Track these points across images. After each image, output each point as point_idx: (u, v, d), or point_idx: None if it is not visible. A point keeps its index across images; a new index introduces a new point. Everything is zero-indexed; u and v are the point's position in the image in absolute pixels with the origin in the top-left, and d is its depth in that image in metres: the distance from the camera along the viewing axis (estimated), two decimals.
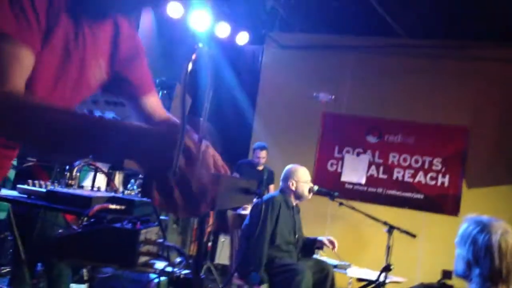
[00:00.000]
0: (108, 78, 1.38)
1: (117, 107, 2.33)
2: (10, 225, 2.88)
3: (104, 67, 1.35)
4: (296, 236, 4.15)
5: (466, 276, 2.08)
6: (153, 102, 1.48)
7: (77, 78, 1.27)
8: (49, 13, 1.07)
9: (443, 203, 6.68)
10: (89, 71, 1.29)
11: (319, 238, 4.29)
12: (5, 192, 2.00)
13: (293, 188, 4.13)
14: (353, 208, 4.13)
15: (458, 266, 2.10)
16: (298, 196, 4.15)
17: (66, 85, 1.24)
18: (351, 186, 7.07)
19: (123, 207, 1.67)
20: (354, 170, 7.09)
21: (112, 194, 1.98)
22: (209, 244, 6.36)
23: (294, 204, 4.21)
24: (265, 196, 4.39)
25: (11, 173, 3.39)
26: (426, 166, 6.83)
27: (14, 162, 2.92)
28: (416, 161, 6.88)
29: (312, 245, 4.29)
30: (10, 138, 1.04)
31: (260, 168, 6.39)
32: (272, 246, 3.95)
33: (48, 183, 2.07)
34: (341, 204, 4.18)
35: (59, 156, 1.18)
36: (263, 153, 6.30)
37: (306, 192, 4.14)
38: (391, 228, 3.87)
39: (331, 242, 4.22)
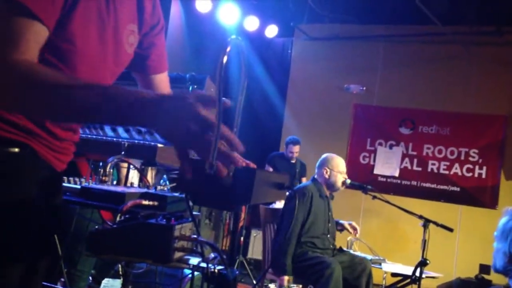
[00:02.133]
0: (137, 46, 1.36)
1: None
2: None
3: (136, 32, 1.33)
4: (330, 224, 4.09)
5: (506, 271, 2.00)
6: (163, 81, 1.46)
7: (114, 45, 1.25)
8: None
9: (481, 195, 6.50)
10: (124, 37, 1.28)
11: (341, 221, 4.23)
12: None
13: (327, 176, 4.06)
14: (387, 201, 4.04)
15: (497, 260, 2.03)
16: (331, 186, 4.08)
17: (107, 55, 1.23)
18: (384, 179, 6.96)
19: (156, 203, 1.66)
20: (387, 163, 6.98)
21: (145, 190, 1.98)
22: (241, 238, 6.37)
23: (327, 193, 4.14)
24: (297, 186, 4.35)
25: None
26: (462, 157, 6.65)
27: None
28: (452, 153, 6.71)
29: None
30: (21, 110, 1.01)
31: (293, 161, 6.35)
32: (306, 236, 3.90)
33: (83, 179, 2.09)
34: (374, 197, 4.10)
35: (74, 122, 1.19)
36: (296, 148, 6.25)
37: (339, 183, 4.06)
38: (426, 222, 3.77)
39: (353, 228, 4.15)
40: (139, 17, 1.33)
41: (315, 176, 4.15)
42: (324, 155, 4.20)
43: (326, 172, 4.06)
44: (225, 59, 0.90)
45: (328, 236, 4.03)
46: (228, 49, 0.92)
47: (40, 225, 1.19)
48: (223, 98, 0.90)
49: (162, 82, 1.46)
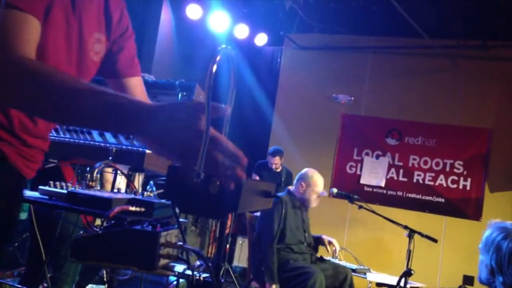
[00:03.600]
0: (106, 53, 1.36)
1: None
2: (31, 226, 2.91)
3: (103, 40, 1.33)
4: (306, 234, 4.12)
5: (489, 283, 2.02)
6: (137, 86, 1.45)
7: (79, 53, 1.26)
8: None
9: (465, 207, 6.56)
10: (89, 45, 1.28)
11: (323, 236, 4.25)
12: (27, 193, 2.01)
13: (301, 191, 4.10)
14: (373, 211, 4.07)
15: (481, 273, 2.05)
16: (304, 201, 4.12)
17: (71, 62, 1.23)
18: (370, 189, 7.00)
19: (143, 209, 1.66)
20: (374, 173, 7.02)
21: (132, 196, 1.98)
22: (227, 246, 6.35)
23: (299, 205, 4.18)
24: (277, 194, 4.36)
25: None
26: (448, 169, 6.72)
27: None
28: (437, 164, 6.78)
29: (316, 242, 4.25)
30: (20, 106, 1.00)
31: (278, 170, 6.35)
32: (283, 245, 3.92)
33: (69, 184, 2.08)
34: (360, 207, 4.12)
35: (69, 124, 1.18)
36: (275, 159, 6.23)
37: (312, 201, 4.11)
38: (411, 233, 3.80)
39: (330, 243, 4.16)
40: (107, 26, 1.34)
41: (291, 188, 4.19)
42: (305, 170, 4.23)
43: (302, 187, 4.10)
44: (214, 68, 0.91)
45: (305, 244, 4.06)
46: (218, 58, 0.93)
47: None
48: (223, 105, 0.91)
49: (136, 87, 1.44)
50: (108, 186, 2.42)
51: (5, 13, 0.98)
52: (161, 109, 0.87)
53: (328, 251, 4.18)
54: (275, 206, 3.90)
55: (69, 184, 2.12)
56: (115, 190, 2.19)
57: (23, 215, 4.12)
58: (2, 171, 1.16)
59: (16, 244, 4.34)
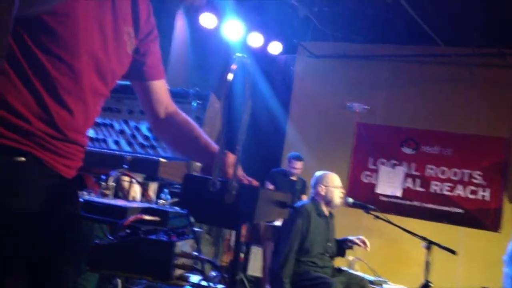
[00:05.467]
0: (135, 50, 1.36)
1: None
2: None
3: (133, 35, 1.32)
4: (330, 244, 4.05)
5: None
6: (162, 89, 1.46)
7: (115, 43, 1.25)
8: None
9: (484, 218, 6.44)
10: (124, 36, 1.28)
11: (350, 237, 4.18)
12: None
13: (323, 193, 4.02)
14: (389, 221, 4.01)
15: (506, 285, 2.00)
16: (328, 202, 4.04)
17: (108, 50, 1.22)
18: (386, 199, 6.91)
19: (157, 218, 1.65)
20: (389, 182, 6.94)
21: (147, 204, 1.97)
22: (242, 255, 6.32)
23: (327, 212, 4.11)
24: (296, 204, 4.32)
25: None
26: (466, 179, 6.61)
27: None
28: (455, 174, 6.68)
29: (342, 245, 4.18)
30: None
31: (294, 177, 6.31)
32: (305, 258, 3.86)
33: (85, 192, 2.08)
34: (376, 217, 4.06)
35: None
36: (299, 164, 6.19)
37: (336, 198, 4.02)
38: (429, 244, 3.73)
39: (363, 242, 4.10)
40: (135, 22, 1.34)
41: (313, 195, 4.12)
42: (317, 173, 4.18)
43: (322, 190, 4.03)
44: (230, 76, 0.90)
45: (327, 255, 4.00)
46: (233, 67, 0.92)
47: (51, 236, 1.16)
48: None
49: (161, 90, 1.46)
50: (124, 195, 2.42)
51: None
52: None
53: (361, 246, 4.09)
54: (298, 216, 3.84)
55: (84, 193, 2.12)
56: (130, 199, 2.19)
57: None
58: (39, 176, 1.13)
59: None
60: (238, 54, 1.01)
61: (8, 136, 1.06)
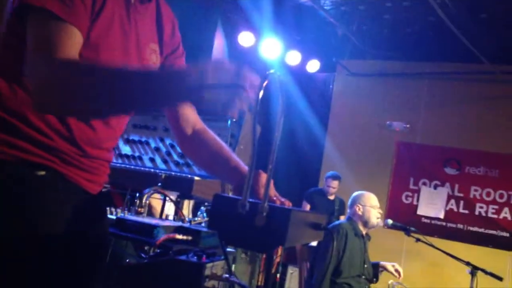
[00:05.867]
0: (160, 65, 1.36)
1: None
2: None
3: (158, 51, 1.32)
4: (367, 266, 3.93)
5: None
6: (188, 106, 1.44)
7: (138, 61, 1.25)
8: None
9: None
10: (147, 54, 1.28)
11: (382, 262, 4.05)
12: None
13: (360, 213, 3.94)
14: (431, 245, 3.86)
15: None
16: (365, 222, 3.95)
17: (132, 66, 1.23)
18: (428, 221, 6.69)
19: (190, 237, 1.62)
20: (432, 204, 6.73)
21: (180, 223, 1.94)
22: (278, 275, 6.23)
23: (364, 232, 4.01)
24: (332, 224, 4.23)
25: None
26: None
27: None
28: (501, 196, 6.40)
29: (375, 269, 4.05)
30: (79, 104, 1.00)
31: (332, 197, 6.21)
32: (340, 280, 3.75)
33: (119, 210, 2.07)
34: (418, 240, 3.92)
35: (134, 111, 1.22)
36: (335, 183, 6.13)
37: (373, 218, 3.92)
38: (474, 269, 3.56)
39: (397, 271, 3.95)
40: (159, 38, 1.34)
41: (350, 215, 4.04)
42: (354, 194, 4.11)
43: (359, 209, 3.94)
44: (261, 93, 0.87)
45: (364, 278, 3.88)
46: (265, 83, 0.89)
47: (78, 253, 1.14)
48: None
49: (187, 107, 1.44)
50: (157, 213, 2.41)
51: (49, 22, 1.00)
52: (205, 71, 0.93)
53: (395, 276, 3.97)
54: (334, 235, 3.76)
55: (118, 210, 2.12)
56: (163, 217, 2.18)
57: None
58: (62, 191, 1.12)
59: None
60: (271, 71, 0.98)
61: (30, 150, 1.07)
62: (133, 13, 1.21)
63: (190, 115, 1.44)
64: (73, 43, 1.02)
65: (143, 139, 2.40)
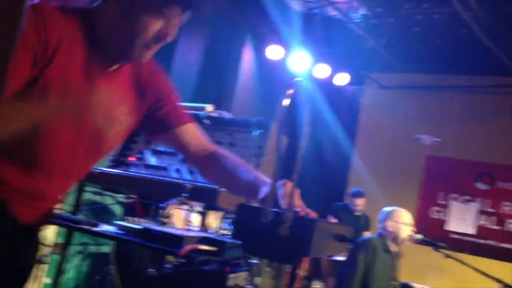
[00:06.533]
0: (137, 120, 1.38)
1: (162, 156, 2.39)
2: (111, 260, 2.97)
3: (129, 112, 1.34)
4: (394, 283, 3.85)
5: None
6: (190, 133, 1.45)
7: (111, 125, 1.29)
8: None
9: None
10: (116, 114, 1.30)
11: (412, 284, 3.96)
12: (105, 227, 2.05)
13: (391, 229, 3.86)
14: (461, 261, 3.75)
15: None
16: (396, 239, 3.87)
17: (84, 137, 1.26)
18: (458, 236, 6.53)
19: (214, 248, 1.62)
20: (461, 219, 6.57)
21: (204, 234, 1.94)
22: None
23: (393, 248, 3.92)
24: (361, 238, 4.17)
25: (118, 208, 3.53)
26: None
27: (123, 199, 3.03)
28: None
29: None
30: None
31: (358, 213, 6.12)
32: None
33: (144, 220, 2.09)
34: (448, 256, 3.82)
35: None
36: (360, 201, 6.00)
37: (404, 235, 3.84)
38: (506, 287, 3.45)
39: None
40: (136, 95, 1.36)
41: (380, 231, 3.96)
42: (385, 209, 4.03)
43: (391, 226, 3.87)
44: (287, 101, 0.86)
45: None
46: (290, 91, 0.88)
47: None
48: None
49: (188, 134, 1.44)
50: (182, 223, 2.42)
51: None
52: None
53: None
54: (363, 250, 3.70)
55: (145, 220, 2.14)
56: (188, 228, 2.18)
57: (106, 248, 4.25)
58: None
59: (98, 277, 4.45)
60: (298, 78, 0.97)
61: None
62: (99, 77, 1.22)
63: (194, 141, 1.44)
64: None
65: (170, 150, 2.42)
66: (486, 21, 5.06)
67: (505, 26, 5.43)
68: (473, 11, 4.85)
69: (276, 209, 0.96)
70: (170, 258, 2.58)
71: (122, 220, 2.12)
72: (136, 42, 1.17)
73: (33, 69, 1.07)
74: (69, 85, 1.14)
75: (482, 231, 6.44)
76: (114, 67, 1.25)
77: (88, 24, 1.17)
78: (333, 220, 5.99)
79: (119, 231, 1.98)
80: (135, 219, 2.12)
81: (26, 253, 1.27)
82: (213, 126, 2.36)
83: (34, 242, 1.32)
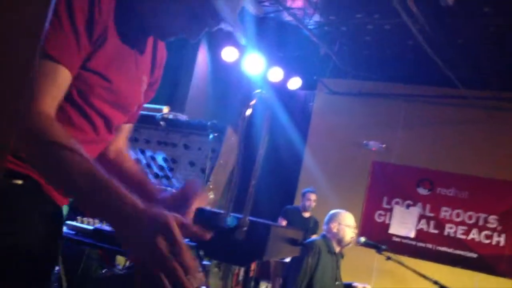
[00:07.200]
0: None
1: (167, 147, 2.35)
2: (58, 261, 2.91)
3: (146, 81, 1.35)
4: (338, 283, 3.97)
5: None
6: (126, 132, 1.44)
7: (131, 89, 1.28)
8: (93, 31, 1.08)
9: (498, 263, 6.28)
10: (139, 83, 1.30)
11: (355, 283, 4.10)
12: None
13: (335, 231, 3.99)
14: (401, 263, 3.93)
15: None
16: (340, 241, 4.00)
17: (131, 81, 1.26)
18: (399, 240, 6.80)
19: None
20: (403, 223, 6.84)
21: None
22: None
23: (337, 250, 4.05)
24: (306, 240, 4.27)
25: (65, 208, 3.45)
26: (481, 223, 6.49)
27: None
28: (470, 217, 6.56)
29: None
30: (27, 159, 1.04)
31: (307, 215, 6.27)
32: None
33: (96, 220, 2.07)
34: (388, 258, 3.99)
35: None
36: (314, 196, 6.21)
37: (348, 237, 3.98)
38: None
39: None
40: (151, 70, 1.37)
41: (325, 232, 4.09)
42: (331, 211, 4.16)
43: (335, 227, 4.00)
44: (248, 112, 0.90)
45: None
46: (252, 102, 0.93)
47: (39, 261, 1.16)
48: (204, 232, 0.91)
49: (125, 133, 1.43)
50: None
51: (40, 62, 0.99)
52: (140, 214, 0.90)
53: None
54: (308, 252, 3.79)
55: (96, 221, 2.12)
56: None
57: None
58: (36, 202, 1.14)
59: None
60: (258, 90, 1.02)
61: (9, 159, 1.08)
62: (134, 46, 1.24)
63: (124, 139, 1.45)
64: (57, 90, 1.03)
65: None
66: (430, 33, 5.29)
67: (447, 39, 5.70)
68: (419, 24, 5.07)
69: (234, 214, 1.00)
70: (120, 259, 2.57)
71: (73, 220, 2.10)
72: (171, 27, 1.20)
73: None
74: (113, 56, 1.14)
75: (421, 235, 6.73)
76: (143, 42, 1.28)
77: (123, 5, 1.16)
78: (283, 222, 6.10)
79: (69, 231, 1.95)
80: (85, 219, 2.10)
81: (60, 234, 1.28)
82: (168, 128, 2.36)
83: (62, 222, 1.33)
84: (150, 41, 1.32)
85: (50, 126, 0.97)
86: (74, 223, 2.10)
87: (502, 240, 6.36)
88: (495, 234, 6.41)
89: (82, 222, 2.14)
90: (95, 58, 1.11)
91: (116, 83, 1.18)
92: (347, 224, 3.99)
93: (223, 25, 1.22)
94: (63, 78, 1.03)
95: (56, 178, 0.99)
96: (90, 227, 1.98)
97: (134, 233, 0.89)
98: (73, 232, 2.01)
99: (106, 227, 2.02)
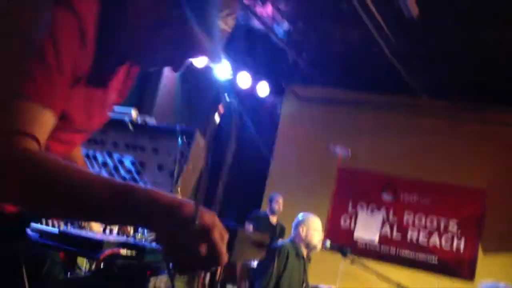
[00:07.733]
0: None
1: (135, 151, 2.34)
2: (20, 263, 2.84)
3: (114, 99, 1.34)
4: (305, 284, 4.03)
5: None
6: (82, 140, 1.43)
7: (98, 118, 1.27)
8: (76, 66, 1.02)
9: (458, 267, 6.48)
10: (108, 107, 1.29)
11: (320, 286, 4.18)
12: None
13: (303, 235, 4.05)
14: (365, 267, 4.02)
15: None
16: (308, 244, 4.06)
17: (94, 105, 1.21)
18: (363, 244, 6.92)
19: (134, 253, 1.64)
20: (367, 228, 6.97)
21: (124, 238, 1.95)
22: None
23: (305, 254, 4.11)
24: (274, 244, 4.32)
25: None
26: (442, 228, 6.69)
27: None
28: (431, 222, 6.74)
29: None
30: (24, 204, 0.94)
31: (274, 221, 6.32)
32: None
33: (62, 223, 2.05)
34: (353, 261, 4.07)
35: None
36: (281, 199, 6.29)
37: (315, 241, 4.05)
38: None
39: None
40: (120, 89, 1.34)
41: (293, 236, 4.14)
42: (299, 215, 4.22)
43: (303, 231, 4.05)
44: (217, 119, 0.93)
45: None
46: (221, 110, 0.95)
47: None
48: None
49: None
50: (100, 227, 2.39)
51: (22, 104, 0.91)
52: (172, 219, 0.85)
53: None
54: (276, 256, 3.83)
55: (61, 223, 2.09)
56: (107, 232, 2.17)
57: None
58: None
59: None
60: (227, 98, 1.04)
61: None
62: (107, 76, 1.20)
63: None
64: (43, 130, 0.94)
65: (91, 153, 2.38)
66: (395, 43, 5.42)
67: (411, 48, 5.85)
68: (385, 33, 5.19)
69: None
70: (82, 262, 2.54)
71: (36, 222, 2.06)
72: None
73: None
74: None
75: (385, 239, 6.87)
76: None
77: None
78: (250, 227, 6.13)
79: (33, 234, 1.92)
80: (50, 221, 2.07)
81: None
82: (136, 131, 2.35)
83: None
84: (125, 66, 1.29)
85: (49, 161, 0.90)
86: (38, 225, 2.07)
87: (461, 244, 6.56)
88: (455, 239, 6.60)
89: (47, 224, 2.10)
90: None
91: (79, 122, 1.14)
92: (315, 228, 4.06)
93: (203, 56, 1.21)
94: (49, 120, 0.97)
95: (66, 201, 0.88)
96: (55, 230, 1.95)
97: (173, 235, 0.84)
98: (38, 235, 1.98)
99: (71, 230, 2.00)
